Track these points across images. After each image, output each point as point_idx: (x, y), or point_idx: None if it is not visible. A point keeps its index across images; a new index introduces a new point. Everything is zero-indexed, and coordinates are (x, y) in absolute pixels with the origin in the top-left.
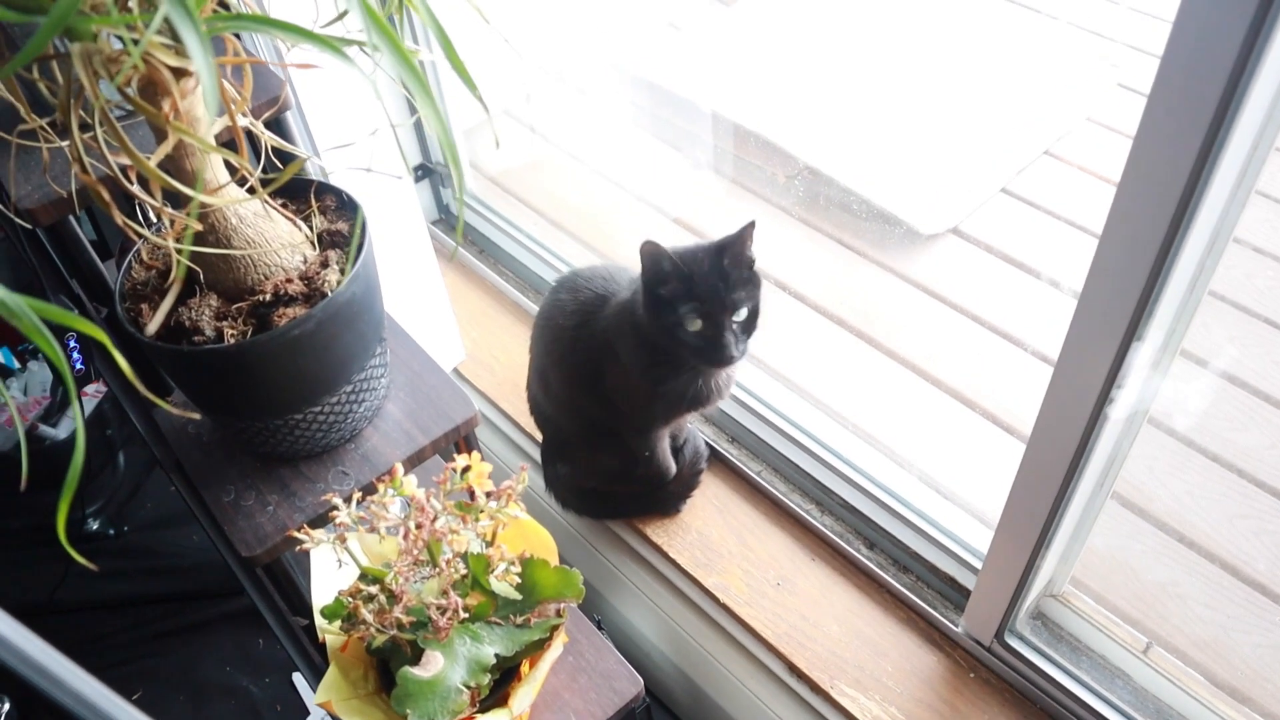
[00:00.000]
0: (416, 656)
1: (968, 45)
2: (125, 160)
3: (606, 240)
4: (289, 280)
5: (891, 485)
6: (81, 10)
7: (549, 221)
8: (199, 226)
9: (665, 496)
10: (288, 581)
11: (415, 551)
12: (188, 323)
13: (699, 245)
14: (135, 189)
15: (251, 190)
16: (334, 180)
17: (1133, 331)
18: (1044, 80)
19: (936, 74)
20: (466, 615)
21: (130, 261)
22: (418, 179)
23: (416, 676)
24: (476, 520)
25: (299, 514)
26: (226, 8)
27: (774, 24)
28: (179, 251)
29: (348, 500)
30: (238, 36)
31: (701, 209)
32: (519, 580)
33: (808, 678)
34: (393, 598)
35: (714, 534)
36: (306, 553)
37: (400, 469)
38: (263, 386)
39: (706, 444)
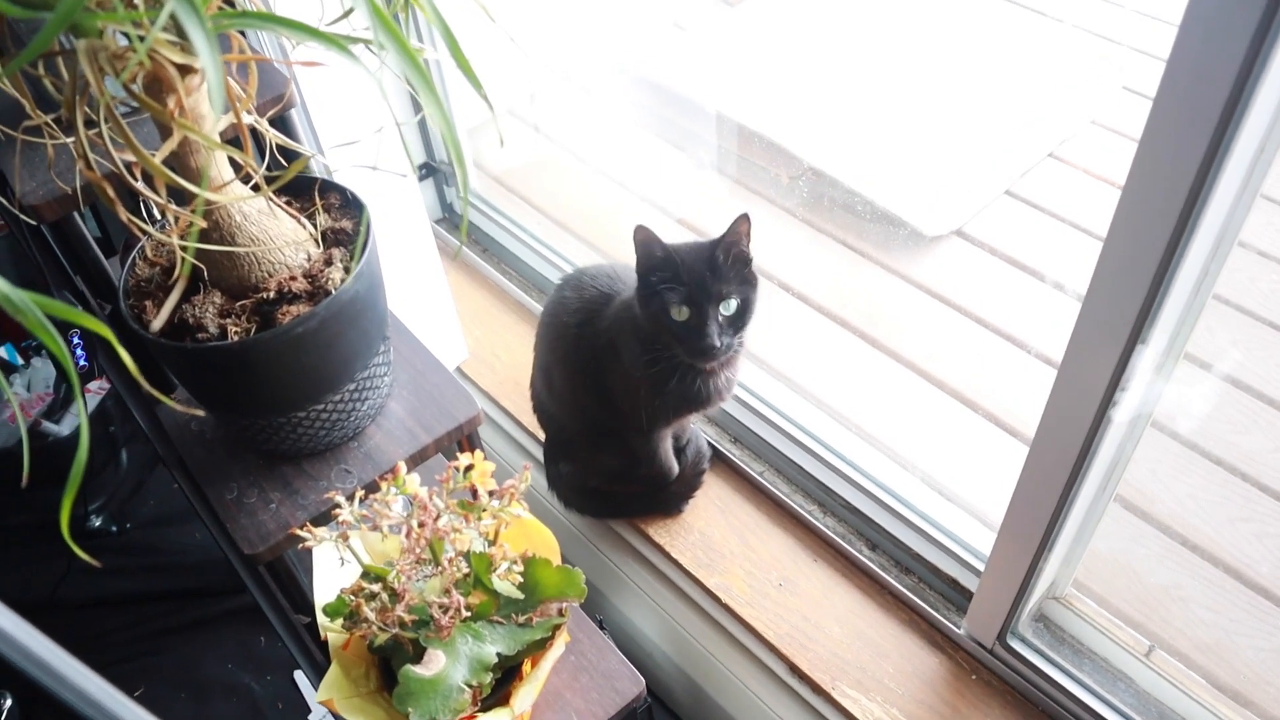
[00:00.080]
0: (418, 655)
1: (972, 47)
2: (130, 157)
3: (609, 240)
4: (293, 278)
5: (894, 487)
6: (87, 6)
7: (552, 221)
8: (203, 223)
9: (668, 496)
10: (290, 579)
11: (418, 550)
12: (191, 320)
13: (696, 240)
14: (140, 186)
15: (256, 188)
16: (338, 178)
17: (1137, 335)
18: (1048, 82)
19: (941, 76)
20: (469, 614)
21: (134, 258)
22: (421, 178)
23: (418, 675)
24: (479, 519)
25: (301, 512)
26: (232, 5)
27: (778, 25)
28: (183, 248)
29: (350, 498)
30: (243, 34)
31: (705, 209)
32: (521, 579)
33: (809, 679)
34: (395, 596)
35: (716, 534)
36: (309, 550)
37: (403, 467)
38: (266, 384)
39: (709, 444)
